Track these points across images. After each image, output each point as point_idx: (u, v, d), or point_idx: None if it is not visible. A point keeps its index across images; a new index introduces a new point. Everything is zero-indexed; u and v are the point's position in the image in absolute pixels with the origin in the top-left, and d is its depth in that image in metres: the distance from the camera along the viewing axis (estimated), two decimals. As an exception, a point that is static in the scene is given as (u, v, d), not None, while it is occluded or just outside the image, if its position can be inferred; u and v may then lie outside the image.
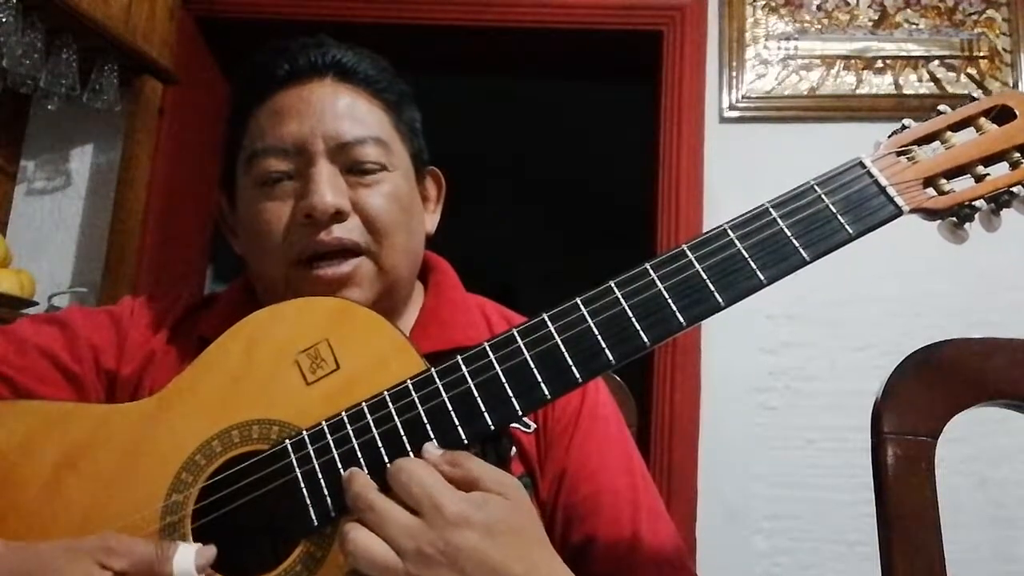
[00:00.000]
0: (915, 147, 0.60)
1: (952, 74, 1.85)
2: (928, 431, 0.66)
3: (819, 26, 1.91)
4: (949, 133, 0.61)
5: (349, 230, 0.72)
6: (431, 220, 0.84)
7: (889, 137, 0.61)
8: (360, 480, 0.54)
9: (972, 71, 1.85)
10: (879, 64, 1.87)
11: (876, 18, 1.90)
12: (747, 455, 1.72)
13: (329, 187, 0.71)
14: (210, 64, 2.14)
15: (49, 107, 1.76)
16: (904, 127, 0.62)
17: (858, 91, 1.86)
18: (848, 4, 1.91)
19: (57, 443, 0.63)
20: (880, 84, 1.86)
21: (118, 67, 1.78)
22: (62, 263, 1.92)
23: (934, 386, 0.67)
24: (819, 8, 1.92)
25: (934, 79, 1.85)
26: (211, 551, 0.56)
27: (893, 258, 1.73)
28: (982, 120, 0.61)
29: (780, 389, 1.74)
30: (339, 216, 0.71)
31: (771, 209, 0.59)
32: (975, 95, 0.62)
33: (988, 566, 1.58)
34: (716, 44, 1.91)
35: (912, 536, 0.64)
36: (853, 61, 1.87)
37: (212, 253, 2.25)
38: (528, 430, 0.74)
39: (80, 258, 1.93)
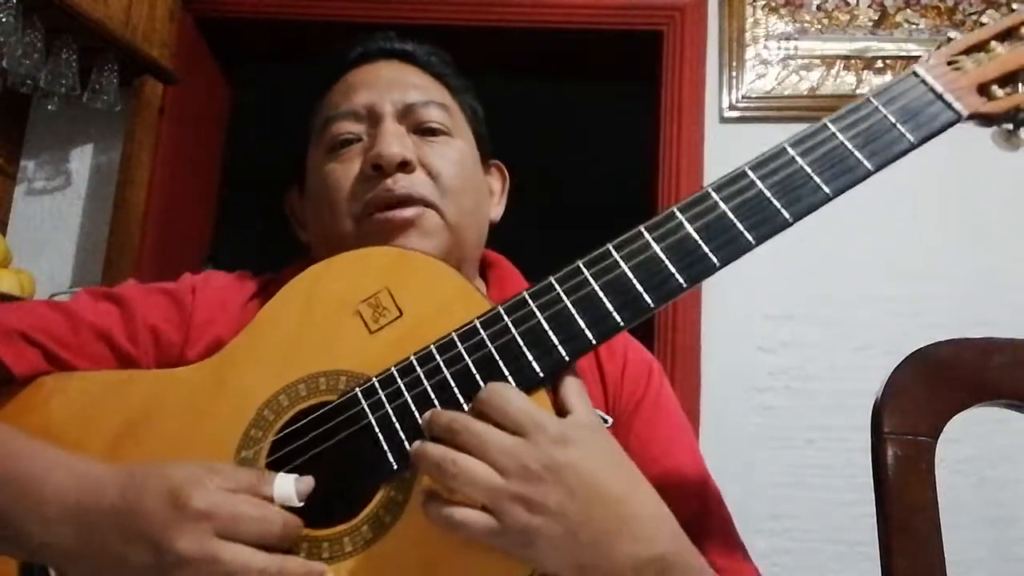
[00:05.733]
0: (963, 57, 0.61)
1: (952, 74, 1.85)
2: (928, 431, 0.66)
3: (819, 26, 1.91)
4: (994, 43, 0.61)
5: (415, 182, 0.73)
6: (496, 211, 0.86)
7: (936, 49, 0.62)
8: (448, 411, 0.54)
9: (972, 71, 1.85)
10: (879, 64, 1.87)
11: (876, 18, 1.90)
12: (747, 455, 1.72)
13: (396, 139, 0.73)
14: (210, 64, 2.14)
15: (49, 107, 1.76)
16: (949, 39, 0.63)
17: (858, 91, 1.85)
18: (848, 4, 1.91)
19: (117, 411, 0.63)
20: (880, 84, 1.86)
21: (118, 67, 1.77)
22: (62, 263, 1.92)
23: (934, 386, 0.67)
24: (819, 8, 1.91)
25: (934, 79, 1.85)
26: (310, 480, 0.55)
27: (893, 258, 1.73)
28: None
29: (780, 389, 1.74)
30: (405, 167, 0.73)
31: (829, 124, 0.59)
32: (1015, 6, 0.62)
33: (988, 566, 1.58)
34: (716, 44, 1.91)
35: (912, 536, 0.63)
36: (853, 61, 1.87)
37: (212, 253, 2.25)
38: (607, 424, 0.73)
39: (80, 258, 1.93)
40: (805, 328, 1.75)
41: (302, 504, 0.55)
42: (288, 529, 0.54)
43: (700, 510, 0.71)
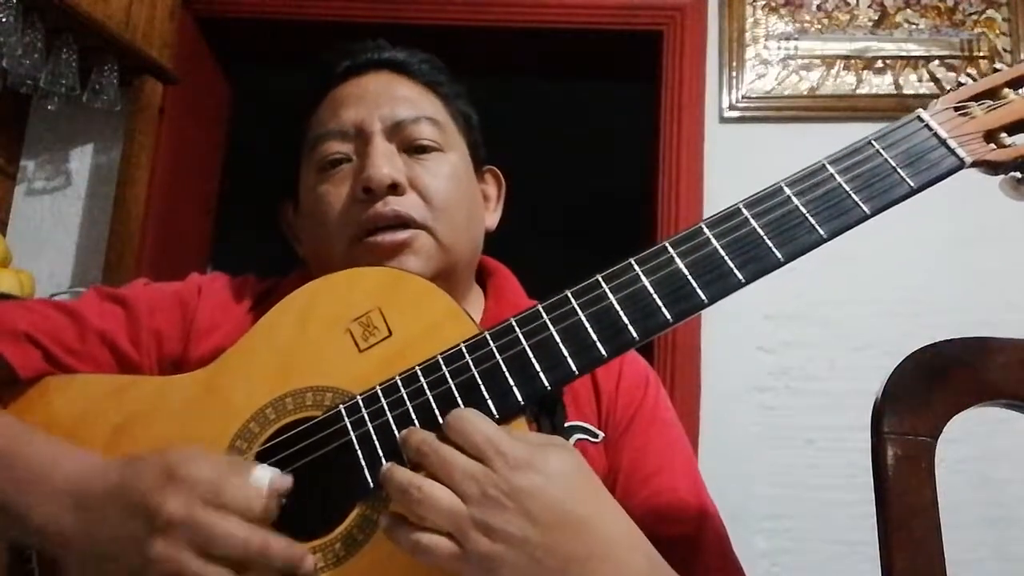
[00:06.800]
0: (972, 104, 0.60)
1: (952, 74, 1.85)
2: (928, 431, 0.66)
3: (819, 26, 1.91)
4: (1007, 90, 0.60)
5: (406, 204, 0.72)
6: (491, 218, 0.85)
7: (945, 94, 0.61)
8: (421, 432, 0.54)
9: (972, 71, 1.85)
10: (879, 64, 1.87)
11: (876, 18, 1.90)
12: (747, 455, 1.72)
13: (385, 160, 0.72)
14: (210, 64, 2.14)
15: (49, 107, 1.76)
16: (960, 84, 0.62)
17: (858, 91, 1.86)
18: (848, 4, 1.91)
19: (113, 414, 0.64)
20: (880, 84, 1.86)
21: (118, 67, 1.77)
22: (62, 263, 1.92)
23: (934, 386, 0.67)
24: (819, 8, 1.91)
25: (934, 79, 1.85)
26: (287, 479, 0.55)
27: (893, 258, 1.73)
28: None
29: (780, 389, 1.74)
30: (396, 189, 0.72)
31: (828, 165, 0.58)
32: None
33: (988, 566, 1.58)
34: (716, 44, 1.91)
35: (912, 536, 0.63)
36: (853, 61, 1.87)
37: (212, 253, 2.25)
38: (596, 439, 0.73)
39: (80, 258, 1.93)
40: (805, 328, 1.75)
41: (270, 500, 0.55)
42: (268, 513, 0.54)
43: (695, 530, 0.71)
